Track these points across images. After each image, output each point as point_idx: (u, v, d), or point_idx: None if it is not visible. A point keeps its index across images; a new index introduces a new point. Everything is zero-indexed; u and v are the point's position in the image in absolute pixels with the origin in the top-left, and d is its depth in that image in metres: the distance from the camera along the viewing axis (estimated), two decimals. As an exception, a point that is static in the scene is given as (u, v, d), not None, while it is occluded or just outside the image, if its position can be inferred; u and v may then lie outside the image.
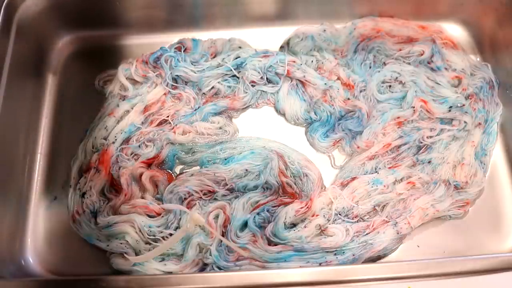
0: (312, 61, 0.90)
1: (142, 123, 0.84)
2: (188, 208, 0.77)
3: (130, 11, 0.92)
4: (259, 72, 0.87)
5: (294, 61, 0.88)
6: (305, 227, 0.75)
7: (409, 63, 0.90)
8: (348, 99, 0.86)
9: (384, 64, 0.90)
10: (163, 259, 0.74)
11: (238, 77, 0.87)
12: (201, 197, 0.79)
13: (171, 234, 0.74)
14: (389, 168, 0.81)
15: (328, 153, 0.85)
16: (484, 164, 0.83)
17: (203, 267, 0.74)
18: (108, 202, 0.78)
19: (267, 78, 0.88)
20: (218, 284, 0.65)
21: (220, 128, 0.85)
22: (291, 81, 0.88)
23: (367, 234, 0.75)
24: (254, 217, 0.76)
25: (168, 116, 0.85)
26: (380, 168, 0.81)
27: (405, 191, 0.79)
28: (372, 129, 0.83)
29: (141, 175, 0.79)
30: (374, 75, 0.88)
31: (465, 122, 0.84)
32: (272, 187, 0.79)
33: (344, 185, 0.79)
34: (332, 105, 0.86)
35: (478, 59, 0.94)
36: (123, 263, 0.74)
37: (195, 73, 0.87)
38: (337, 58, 0.91)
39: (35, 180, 0.83)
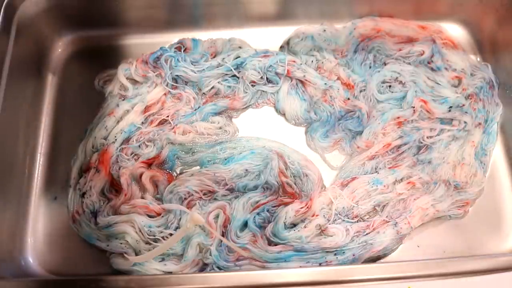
0: (312, 61, 0.90)
1: (142, 123, 0.84)
2: (188, 208, 0.77)
3: (130, 11, 0.92)
4: (259, 72, 0.87)
5: (294, 61, 0.88)
6: (305, 227, 0.75)
7: (409, 63, 0.90)
8: (348, 99, 0.86)
9: (384, 64, 0.90)
10: (163, 259, 0.74)
11: (238, 77, 0.87)
12: (201, 197, 0.78)
13: (171, 234, 0.74)
14: (389, 168, 0.81)
15: (324, 155, 0.84)
16: (484, 164, 0.83)
17: (203, 267, 0.74)
18: (108, 202, 0.78)
19: (267, 78, 0.88)
20: (218, 284, 0.65)
21: (220, 128, 0.85)
22: (291, 81, 0.88)
23: (367, 234, 0.75)
24: (254, 217, 0.76)
25: (168, 116, 0.84)
26: (380, 168, 0.81)
27: (405, 191, 0.78)
28: (372, 129, 0.83)
29: (141, 175, 0.79)
30: (374, 75, 0.88)
31: (465, 122, 0.84)
32: (272, 187, 0.79)
33: (344, 185, 0.79)
34: (332, 105, 0.86)
35: (478, 59, 0.93)
36: (123, 263, 0.73)
37: (195, 73, 0.86)
38: (337, 58, 0.91)
39: (35, 180, 0.83)
